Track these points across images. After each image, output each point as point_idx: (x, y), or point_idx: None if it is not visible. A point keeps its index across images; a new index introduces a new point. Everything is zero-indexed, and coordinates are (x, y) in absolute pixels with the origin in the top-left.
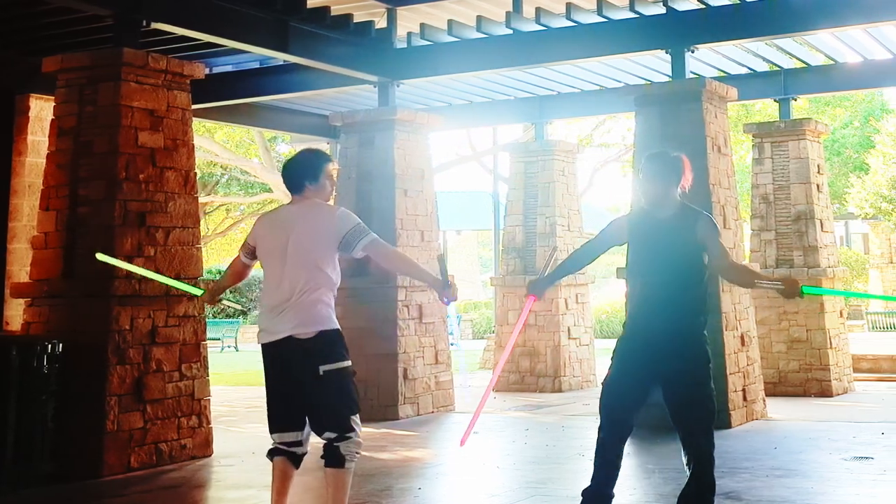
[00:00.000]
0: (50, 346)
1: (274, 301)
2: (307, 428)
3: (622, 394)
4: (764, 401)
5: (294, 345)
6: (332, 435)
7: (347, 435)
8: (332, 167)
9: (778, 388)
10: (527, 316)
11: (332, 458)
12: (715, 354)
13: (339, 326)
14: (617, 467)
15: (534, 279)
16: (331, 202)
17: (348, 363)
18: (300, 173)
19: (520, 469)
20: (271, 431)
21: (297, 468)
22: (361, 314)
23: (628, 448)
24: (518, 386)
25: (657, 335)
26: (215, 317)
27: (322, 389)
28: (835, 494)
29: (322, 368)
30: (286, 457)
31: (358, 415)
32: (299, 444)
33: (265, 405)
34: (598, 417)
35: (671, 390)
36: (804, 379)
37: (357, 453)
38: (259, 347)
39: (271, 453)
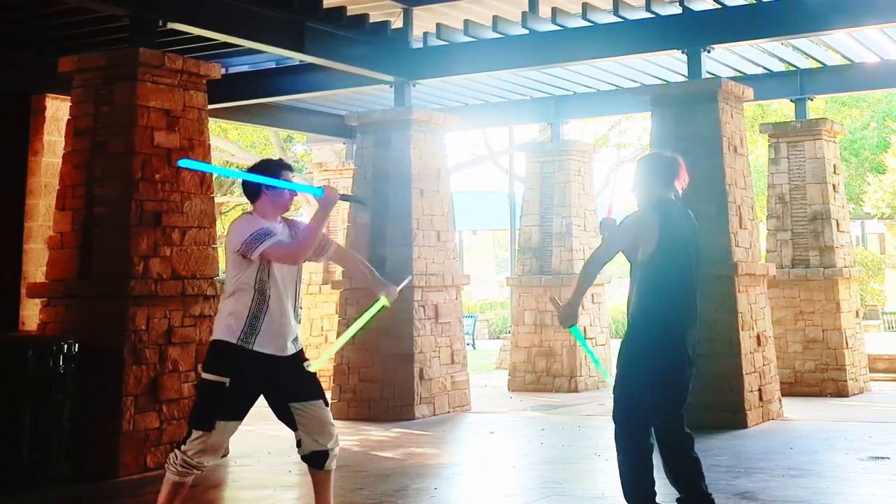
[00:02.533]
0: (66, 346)
1: None
2: (296, 433)
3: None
4: (780, 401)
5: None
6: None
7: (178, 444)
8: (291, 175)
9: (794, 388)
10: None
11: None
12: (731, 354)
13: (222, 337)
14: None
15: None
16: (294, 211)
17: (206, 376)
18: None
19: (536, 469)
20: None
21: (317, 469)
22: (377, 315)
23: None
24: (534, 386)
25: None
26: None
27: None
28: (851, 494)
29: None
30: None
31: (195, 430)
32: (298, 445)
33: None
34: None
35: None
36: (820, 379)
37: (173, 465)
38: None
39: None
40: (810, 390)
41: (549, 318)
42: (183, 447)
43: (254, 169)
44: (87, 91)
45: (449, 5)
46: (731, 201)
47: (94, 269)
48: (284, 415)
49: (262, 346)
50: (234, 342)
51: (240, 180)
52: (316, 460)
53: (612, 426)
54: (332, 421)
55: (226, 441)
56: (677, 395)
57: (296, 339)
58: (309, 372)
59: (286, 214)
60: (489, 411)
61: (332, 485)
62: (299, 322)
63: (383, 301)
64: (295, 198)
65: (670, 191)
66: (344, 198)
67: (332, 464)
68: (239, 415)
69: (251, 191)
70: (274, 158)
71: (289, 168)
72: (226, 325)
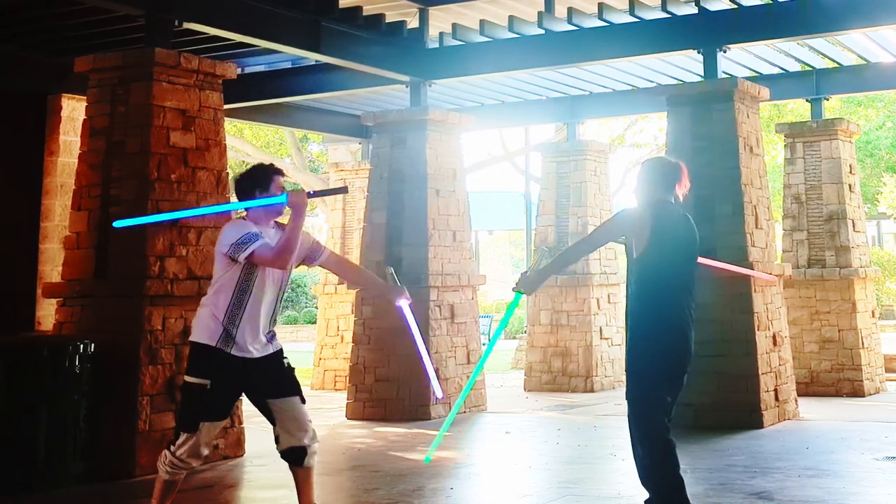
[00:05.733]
0: (82, 346)
1: None
2: (276, 427)
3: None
4: (796, 401)
5: None
6: None
7: (168, 445)
8: (283, 180)
9: (810, 388)
10: None
11: None
12: (747, 354)
13: (203, 341)
14: None
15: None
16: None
17: (189, 379)
18: (251, 183)
19: (552, 469)
20: None
21: (296, 465)
22: (392, 314)
23: None
24: (550, 386)
25: None
26: None
27: None
28: (867, 494)
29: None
30: None
31: (182, 433)
32: (276, 441)
33: None
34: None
35: None
36: (836, 379)
37: (164, 465)
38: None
39: None
40: (826, 390)
41: (566, 318)
42: (172, 448)
43: (245, 175)
44: (103, 91)
45: (465, 5)
46: (747, 201)
47: (110, 268)
48: (264, 411)
49: (240, 349)
50: (213, 345)
51: (233, 183)
52: (294, 457)
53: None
54: (310, 417)
55: (212, 439)
56: (675, 394)
57: (273, 338)
58: (286, 369)
59: (280, 219)
60: (505, 411)
61: (314, 482)
62: (274, 322)
63: (405, 303)
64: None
65: (671, 195)
66: (317, 194)
67: (312, 461)
68: (223, 414)
69: (246, 195)
70: (265, 164)
71: (279, 173)
72: (205, 327)
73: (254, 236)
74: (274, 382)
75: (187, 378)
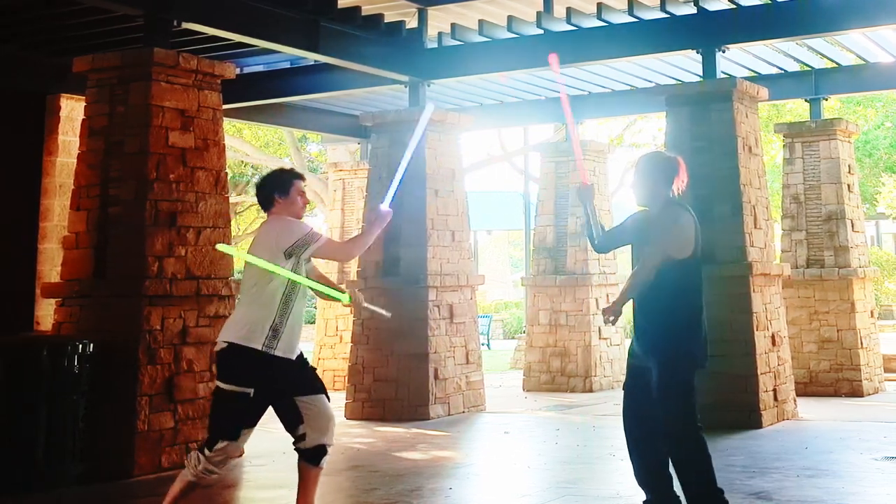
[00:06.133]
0: (81, 346)
1: None
2: (301, 427)
3: (633, 401)
4: (795, 401)
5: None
6: None
7: (202, 449)
8: (303, 185)
9: (809, 388)
10: None
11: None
12: (745, 354)
13: (244, 343)
14: None
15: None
16: (304, 220)
17: (227, 387)
18: (270, 187)
19: (551, 469)
20: None
21: (313, 464)
22: (392, 314)
23: None
24: (549, 386)
25: (637, 335)
26: None
27: None
28: (866, 494)
29: (217, 383)
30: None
31: (222, 441)
32: (300, 439)
33: None
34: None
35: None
36: (835, 379)
37: (195, 468)
38: None
39: None
40: (825, 390)
41: (564, 318)
42: (208, 454)
43: (265, 180)
44: (102, 91)
45: (464, 5)
46: (746, 201)
47: (109, 268)
48: (288, 410)
49: (283, 350)
50: (259, 348)
51: (253, 185)
52: (315, 454)
53: (640, 430)
54: (334, 416)
55: (244, 443)
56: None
57: None
58: (309, 367)
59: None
60: (504, 411)
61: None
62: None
63: (346, 298)
64: (307, 204)
65: (669, 190)
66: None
67: (325, 461)
68: (258, 419)
69: (266, 198)
70: (286, 168)
71: (299, 177)
72: (247, 330)
73: (316, 232)
74: (302, 380)
75: (225, 386)
